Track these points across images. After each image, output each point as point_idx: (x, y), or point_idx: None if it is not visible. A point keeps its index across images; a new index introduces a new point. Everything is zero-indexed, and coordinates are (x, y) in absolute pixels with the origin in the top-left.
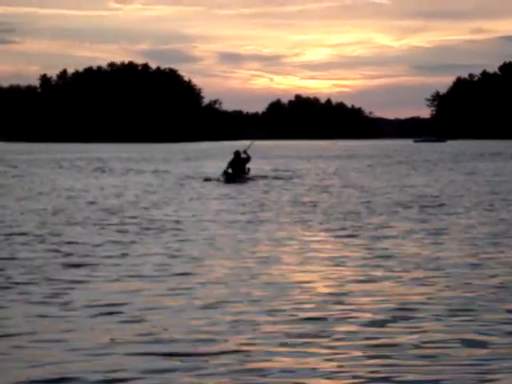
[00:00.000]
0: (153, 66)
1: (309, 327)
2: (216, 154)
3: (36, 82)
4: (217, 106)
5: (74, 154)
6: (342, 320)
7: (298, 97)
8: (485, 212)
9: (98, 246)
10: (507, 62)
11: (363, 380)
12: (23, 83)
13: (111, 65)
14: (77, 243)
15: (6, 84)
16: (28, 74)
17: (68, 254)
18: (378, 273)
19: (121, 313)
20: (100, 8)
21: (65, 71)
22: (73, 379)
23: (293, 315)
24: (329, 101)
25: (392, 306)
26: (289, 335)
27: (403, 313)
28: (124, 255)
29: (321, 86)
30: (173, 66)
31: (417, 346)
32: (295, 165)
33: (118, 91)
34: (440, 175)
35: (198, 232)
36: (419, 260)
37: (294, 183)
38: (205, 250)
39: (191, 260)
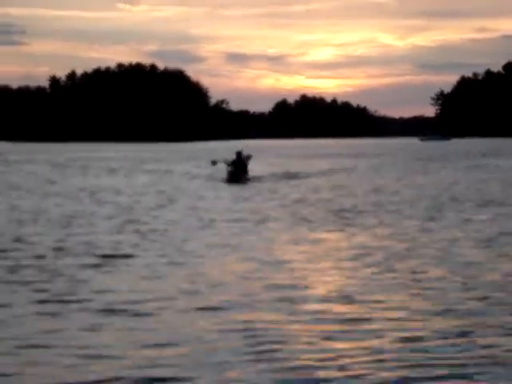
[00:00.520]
0: (160, 66)
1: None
2: (222, 153)
3: (45, 83)
4: (224, 105)
5: (86, 153)
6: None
7: (303, 96)
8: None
9: (118, 243)
10: (511, 60)
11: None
12: (33, 84)
13: (119, 66)
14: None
15: (15, 85)
16: (38, 75)
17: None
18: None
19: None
20: (108, 9)
21: (73, 72)
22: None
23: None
24: (334, 100)
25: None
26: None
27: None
28: (128, 257)
29: (326, 86)
30: (180, 67)
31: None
32: (300, 164)
33: (127, 92)
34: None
35: (205, 234)
36: (439, 260)
37: (299, 183)
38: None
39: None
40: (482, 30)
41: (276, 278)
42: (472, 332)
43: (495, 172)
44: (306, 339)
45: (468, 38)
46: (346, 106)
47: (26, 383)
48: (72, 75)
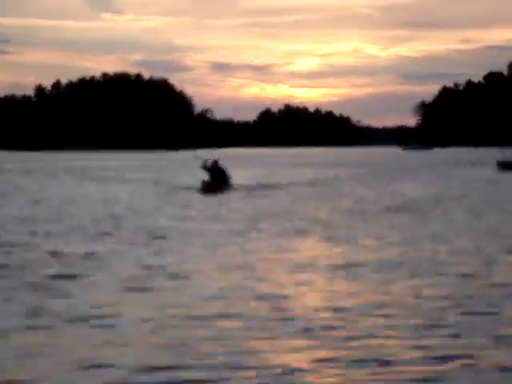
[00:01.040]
0: (146, 75)
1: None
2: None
3: (32, 92)
4: (208, 114)
5: (68, 162)
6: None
7: (287, 106)
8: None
9: (91, 254)
10: (491, 71)
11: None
12: (20, 93)
13: (104, 75)
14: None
15: (1, 94)
16: (24, 84)
17: None
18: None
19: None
20: (93, 19)
21: (58, 81)
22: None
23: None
24: (318, 109)
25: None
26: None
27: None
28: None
29: (310, 95)
30: (165, 76)
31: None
32: (282, 173)
33: (112, 101)
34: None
35: (187, 243)
36: (425, 266)
37: (278, 193)
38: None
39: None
40: (465, 40)
41: (257, 288)
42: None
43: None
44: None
45: (451, 49)
46: (330, 115)
47: None
48: (57, 84)
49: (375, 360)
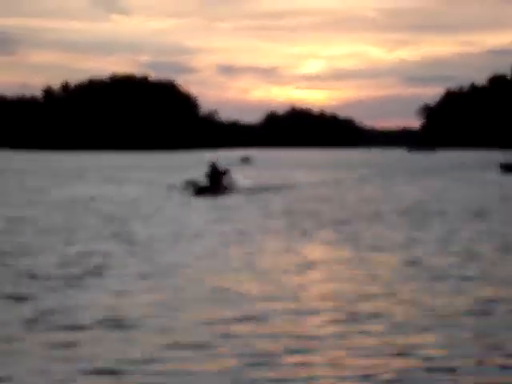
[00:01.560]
0: (153, 77)
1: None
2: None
3: (40, 93)
4: (214, 116)
5: (75, 162)
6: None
7: (292, 108)
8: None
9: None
10: (495, 74)
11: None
12: (28, 94)
13: (112, 76)
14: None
15: (11, 95)
16: (33, 85)
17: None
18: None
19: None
20: (102, 20)
21: (67, 83)
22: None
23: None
24: (322, 111)
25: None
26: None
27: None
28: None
29: (315, 97)
30: (172, 77)
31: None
32: (285, 175)
33: (119, 102)
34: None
35: (188, 247)
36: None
37: (278, 195)
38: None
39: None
40: (468, 43)
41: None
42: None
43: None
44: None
45: (455, 52)
46: (334, 117)
47: None
48: (66, 85)
49: None
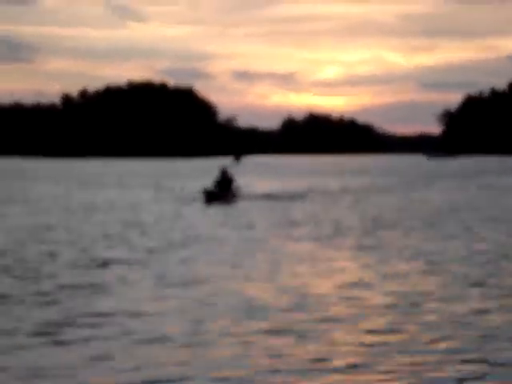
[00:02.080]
0: (170, 83)
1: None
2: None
3: (57, 101)
4: (232, 122)
5: (93, 169)
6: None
7: (311, 114)
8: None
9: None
10: None
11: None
12: (45, 102)
13: (130, 83)
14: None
15: (28, 102)
16: (50, 92)
17: None
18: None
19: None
20: (119, 27)
21: (85, 90)
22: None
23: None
24: (340, 117)
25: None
26: None
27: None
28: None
29: (333, 103)
30: (189, 84)
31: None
32: (302, 182)
33: (137, 109)
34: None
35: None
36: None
37: (289, 204)
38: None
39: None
40: (486, 48)
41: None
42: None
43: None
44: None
45: (472, 57)
46: (352, 123)
47: None
48: (84, 92)
49: None
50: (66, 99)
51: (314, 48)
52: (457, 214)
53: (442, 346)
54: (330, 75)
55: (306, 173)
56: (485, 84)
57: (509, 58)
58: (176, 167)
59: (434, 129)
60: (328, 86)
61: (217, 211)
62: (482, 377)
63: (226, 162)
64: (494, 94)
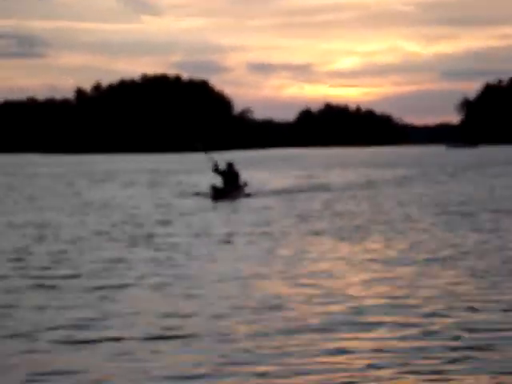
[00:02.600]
0: (185, 76)
1: None
2: (244, 164)
3: (71, 95)
4: (248, 114)
5: (109, 164)
6: None
7: (327, 105)
8: None
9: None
10: None
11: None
12: (58, 96)
13: (144, 77)
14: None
15: (41, 97)
16: (63, 87)
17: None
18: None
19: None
20: (132, 21)
21: (99, 84)
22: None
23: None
24: (358, 108)
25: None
26: None
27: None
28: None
29: (350, 94)
30: (204, 77)
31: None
32: (319, 175)
33: (151, 103)
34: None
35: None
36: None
37: (312, 197)
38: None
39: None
40: (507, 37)
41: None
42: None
43: None
44: None
45: (493, 46)
46: (370, 114)
47: None
48: (97, 87)
49: None
50: (80, 94)
51: (330, 38)
52: (483, 205)
53: None
54: (348, 66)
55: (324, 165)
56: (507, 72)
57: None
58: (192, 162)
59: (455, 118)
60: (345, 76)
61: (226, 207)
62: None
63: (235, 155)
64: None
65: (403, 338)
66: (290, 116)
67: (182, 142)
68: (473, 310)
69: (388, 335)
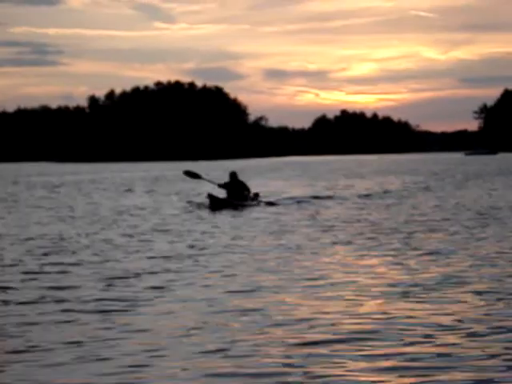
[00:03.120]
0: (199, 84)
1: None
2: (258, 171)
3: (84, 103)
4: (263, 122)
5: (123, 174)
6: None
7: (343, 112)
8: None
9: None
10: None
11: None
12: (72, 104)
13: (158, 84)
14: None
15: (54, 105)
16: (76, 94)
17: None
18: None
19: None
20: (146, 28)
21: (112, 91)
22: None
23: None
24: (375, 115)
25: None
26: None
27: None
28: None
29: (367, 101)
30: (219, 84)
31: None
32: (333, 185)
33: (165, 110)
34: None
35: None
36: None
37: (325, 206)
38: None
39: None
40: None
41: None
42: None
43: None
44: None
45: (511, 52)
46: (387, 121)
47: None
48: (111, 94)
49: None
50: (93, 101)
51: (346, 45)
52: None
53: None
54: (365, 72)
55: (341, 174)
56: None
57: None
58: (207, 169)
59: (473, 125)
60: (361, 83)
61: (226, 217)
62: None
63: (255, 162)
64: None
65: (437, 355)
66: (305, 123)
67: (197, 150)
68: None
69: (416, 349)
